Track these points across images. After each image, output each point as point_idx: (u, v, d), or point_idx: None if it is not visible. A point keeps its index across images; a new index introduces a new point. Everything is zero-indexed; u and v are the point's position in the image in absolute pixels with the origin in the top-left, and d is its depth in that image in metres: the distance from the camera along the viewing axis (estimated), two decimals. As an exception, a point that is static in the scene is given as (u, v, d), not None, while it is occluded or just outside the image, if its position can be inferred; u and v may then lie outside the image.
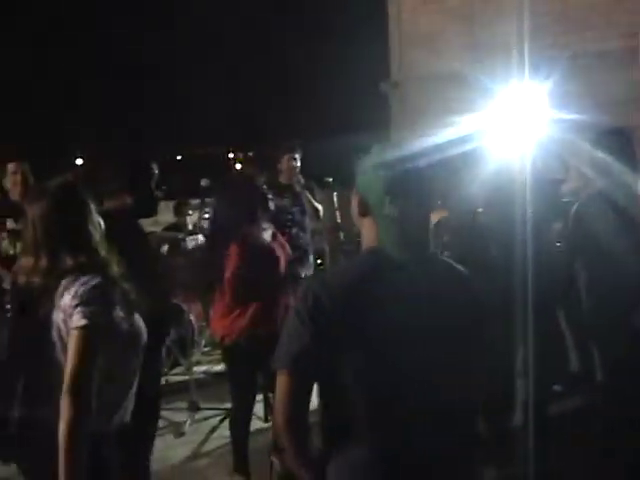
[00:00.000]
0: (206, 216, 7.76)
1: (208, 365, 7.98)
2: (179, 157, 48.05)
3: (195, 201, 8.14)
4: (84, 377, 2.63)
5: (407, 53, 10.79)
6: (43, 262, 2.82)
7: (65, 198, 2.91)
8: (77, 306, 2.68)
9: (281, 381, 2.26)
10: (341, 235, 7.27)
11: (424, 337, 2.22)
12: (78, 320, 2.66)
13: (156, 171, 4.42)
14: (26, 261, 2.88)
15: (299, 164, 7.31)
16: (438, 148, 2.76)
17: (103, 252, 2.91)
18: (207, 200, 7.79)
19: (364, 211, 2.34)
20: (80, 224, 2.89)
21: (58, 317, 2.74)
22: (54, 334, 2.76)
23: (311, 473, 2.30)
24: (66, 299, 2.72)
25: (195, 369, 7.07)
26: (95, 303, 2.69)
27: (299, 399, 2.26)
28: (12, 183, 5.85)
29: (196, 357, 7.69)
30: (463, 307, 2.33)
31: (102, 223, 3.00)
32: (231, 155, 48.99)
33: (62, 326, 2.73)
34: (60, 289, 2.76)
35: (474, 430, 2.45)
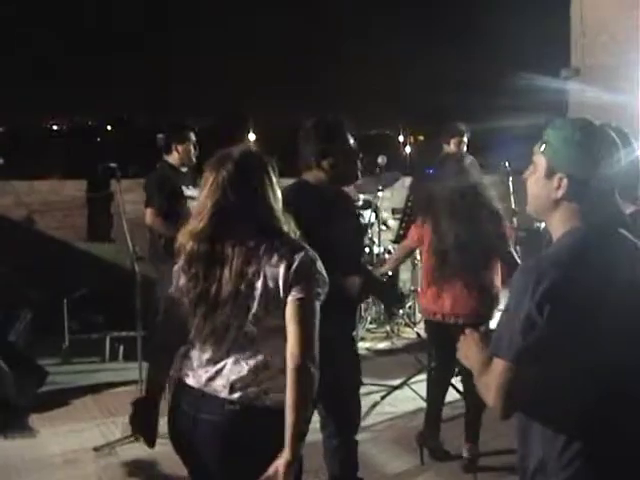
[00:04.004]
0: (380, 194, 7.91)
1: (372, 342, 8.13)
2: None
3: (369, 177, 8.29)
4: (313, 345, 2.68)
5: (589, 40, 10.48)
6: (211, 227, 2.77)
7: (248, 164, 2.84)
8: (296, 279, 2.69)
9: (500, 369, 2.10)
10: (515, 221, 7.20)
11: None
12: (299, 293, 2.68)
13: (352, 139, 4.19)
14: (194, 224, 2.80)
15: (466, 147, 7.33)
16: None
17: (281, 223, 2.82)
18: (383, 176, 7.92)
19: (572, 194, 2.17)
20: (260, 192, 2.80)
21: (263, 282, 2.71)
22: (255, 298, 2.72)
23: None
24: (279, 269, 2.70)
25: (359, 345, 7.14)
26: (312, 274, 2.72)
27: (521, 391, 2.11)
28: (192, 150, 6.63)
29: (361, 333, 7.81)
30: None
31: (279, 195, 2.88)
32: (401, 138, 49.10)
33: (269, 294, 2.71)
34: (260, 253, 2.73)
35: None
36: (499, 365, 2.11)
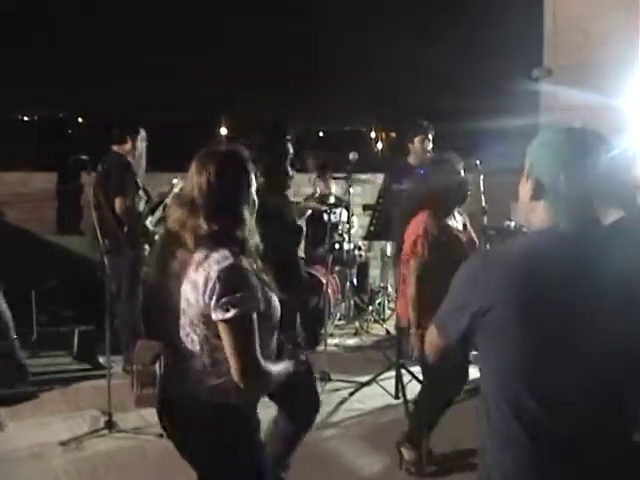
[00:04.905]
0: (351, 190, 7.88)
1: (341, 338, 8.15)
2: (321, 133, 48.90)
3: (340, 175, 8.31)
4: (254, 362, 2.71)
5: (561, 39, 10.54)
6: (189, 222, 2.81)
7: (231, 164, 2.85)
8: (219, 296, 2.66)
9: (433, 332, 2.40)
10: (485, 219, 7.23)
11: (607, 320, 2.10)
12: (224, 313, 2.65)
13: (290, 149, 4.19)
14: (176, 214, 2.86)
15: (431, 145, 7.34)
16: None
17: (247, 229, 2.84)
18: (354, 174, 7.93)
19: (538, 194, 2.22)
20: (237, 194, 2.83)
21: (188, 289, 2.77)
22: (182, 304, 2.81)
23: None
24: (199, 277, 2.71)
25: (328, 341, 7.16)
26: (236, 290, 2.66)
27: (445, 354, 2.43)
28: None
29: (330, 330, 7.83)
30: None
31: (256, 200, 2.91)
32: (373, 134, 49.24)
33: (192, 301, 2.75)
34: (193, 261, 2.76)
35: None
36: (433, 325, 2.41)
